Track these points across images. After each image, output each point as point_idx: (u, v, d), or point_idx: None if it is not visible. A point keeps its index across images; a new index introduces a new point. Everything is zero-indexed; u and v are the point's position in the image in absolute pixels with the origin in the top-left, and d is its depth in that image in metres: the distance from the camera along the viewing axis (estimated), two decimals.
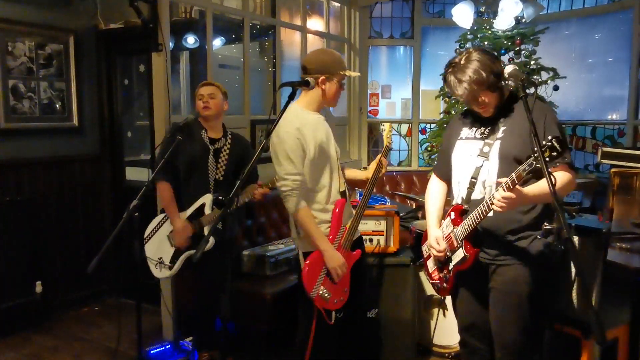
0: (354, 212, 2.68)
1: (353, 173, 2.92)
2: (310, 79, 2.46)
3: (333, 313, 2.60)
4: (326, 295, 2.55)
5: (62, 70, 4.17)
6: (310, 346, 2.64)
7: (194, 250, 2.84)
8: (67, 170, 4.26)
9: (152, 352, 3.32)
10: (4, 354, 3.51)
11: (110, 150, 4.50)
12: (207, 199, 3.06)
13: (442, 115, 5.22)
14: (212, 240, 2.88)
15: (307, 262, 2.54)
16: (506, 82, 2.06)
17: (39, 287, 3.97)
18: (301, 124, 2.50)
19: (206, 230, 2.97)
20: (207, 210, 3.04)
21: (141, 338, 2.63)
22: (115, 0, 4.16)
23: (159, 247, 3.04)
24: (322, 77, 2.52)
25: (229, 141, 3.20)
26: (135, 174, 4.45)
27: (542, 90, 4.54)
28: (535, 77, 4.58)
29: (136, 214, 2.46)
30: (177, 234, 3.02)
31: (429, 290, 3.45)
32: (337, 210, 2.59)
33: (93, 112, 4.42)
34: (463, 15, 4.78)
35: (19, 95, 3.91)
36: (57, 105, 4.16)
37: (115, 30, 4.32)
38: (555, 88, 4.58)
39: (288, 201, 2.50)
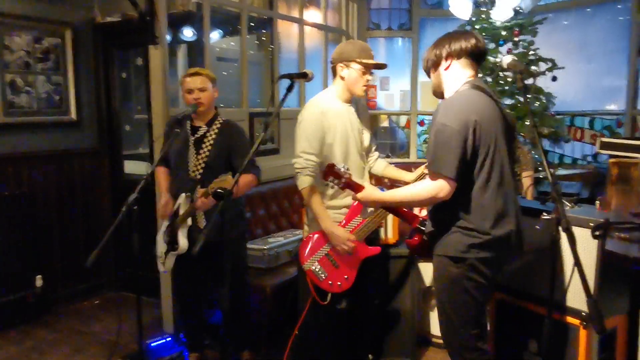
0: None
1: (396, 173, 2.94)
2: (307, 70, 2.48)
3: (329, 295, 2.64)
4: (320, 273, 2.61)
5: (59, 64, 4.15)
6: (299, 324, 2.75)
7: (178, 250, 2.86)
8: (66, 164, 4.25)
9: (152, 344, 3.33)
10: (5, 348, 3.51)
11: (108, 144, 4.49)
12: (181, 199, 2.89)
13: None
14: (184, 243, 2.83)
15: (309, 235, 2.66)
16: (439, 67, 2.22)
17: (39, 281, 3.97)
18: (326, 109, 2.62)
19: (180, 234, 2.85)
20: (181, 212, 2.86)
21: (142, 331, 2.64)
22: None
23: (159, 243, 3.04)
24: (340, 65, 2.62)
25: (215, 129, 2.94)
26: (134, 167, 4.45)
27: (540, 81, 4.54)
28: (533, 67, 4.57)
29: (135, 208, 2.47)
30: (158, 209, 2.99)
31: (428, 281, 3.46)
32: (355, 204, 2.63)
33: (91, 106, 4.41)
34: (461, 7, 4.77)
35: (16, 90, 3.90)
36: (55, 100, 4.15)
37: (112, 24, 4.29)
38: (554, 79, 4.57)
39: (297, 178, 2.61)
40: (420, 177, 2.73)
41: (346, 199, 2.68)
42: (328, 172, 2.36)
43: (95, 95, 4.44)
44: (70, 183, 4.29)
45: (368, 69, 2.63)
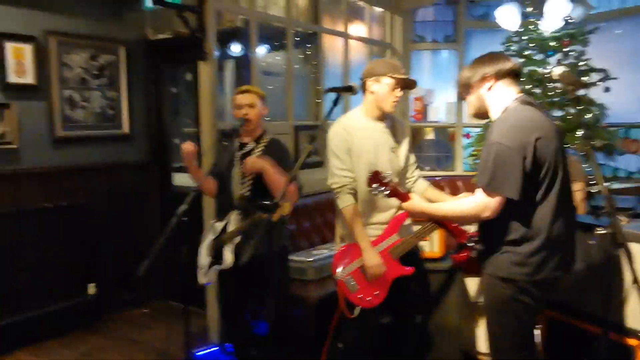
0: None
1: (438, 196, 2.83)
2: (353, 84, 2.50)
3: (357, 308, 2.62)
4: (352, 285, 2.62)
5: (113, 80, 4.33)
6: (330, 335, 2.78)
7: (223, 266, 2.90)
8: (118, 176, 4.41)
9: (198, 354, 3.39)
10: (60, 352, 3.66)
11: (158, 156, 4.63)
12: (231, 216, 2.93)
13: (487, 120, 5.13)
14: (229, 259, 2.85)
15: (345, 246, 2.67)
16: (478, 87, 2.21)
17: (92, 289, 4.11)
18: (349, 125, 2.63)
19: (227, 250, 2.89)
20: (231, 229, 2.92)
21: (189, 340, 2.69)
22: (164, 12, 4.29)
23: (203, 255, 3.08)
24: (370, 80, 2.60)
25: (261, 147, 2.97)
26: (183, 179, 4.55)
27: (592, 92, 4.41)
28: (584, 78, 4.44)
29: (184, 219, 2.53)
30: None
31: (475, 296, 3.39)
32: (392, 223, 2.63)
33: (142, 119, 4.56)
34: (508, 17, 4.70)
35: (73, 105, 4.09)
36: (109, 114, 4.32)
37: (163, 41, 4.45)
38: (607, 89, 4.43)
39: (338, 197, 2.62)
40: None
41: (380, 215, 2.67)
42: (372, 179, 2.35)
43: (147, 109, 4.60)
44: (122, 194, 4.43)
45: (398, 84, 2.61)
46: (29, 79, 3.80)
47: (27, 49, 3.77)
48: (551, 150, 2.04)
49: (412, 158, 2.87)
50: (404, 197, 2.32)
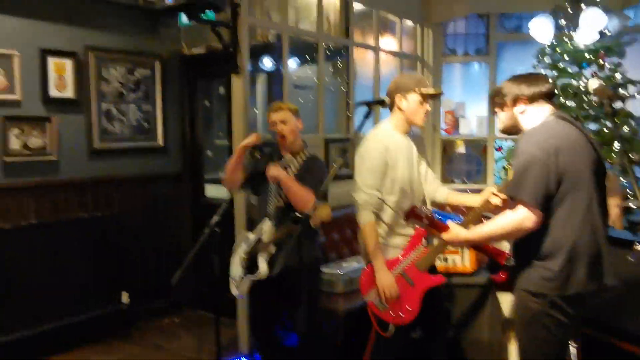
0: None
1: (461, 198, 2.84)
2: (386, 98, 2.51)
3: (391, 326, 2.60)
4: (381, 304, 2.59)
5: (149, 94, 4.44)
6: (369, 352, 2.76)
7: (256, 275, 2.89)
8: (152, 188, 4.50)
9: None
10: None
11: (191, 168, 4.72)
12: (265, 225, 2.94)
13: (518, 135, 5.05)
14: (264, 269, 2.85)
15: (369, 266, 2.65)
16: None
17: (125, 298, 4.19)
18: (389, 143, 2.63)
19: (261, 260, 2.88)
20: (265, 239, 2.92)
21: (220, 351, 2.72)
22: (198, 27, 4.40)
23: (235, 266, 3.10)
24: (398, 95, 2.61)
25: (299, 161, 3.00)
26: (215, 191, 4.63)
27: (629, 105, 4.31)
28: (621, 91, 4.35)
29: (216, 230, 2.57)
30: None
31: (507, 312, 3.33)
32: (417, 233, 2.62)
33: (176, 132, 4.66)
34: (541, 30, 4.64)
35: (110, 118, 4.21)
36: (144, 127, 4.43)
37: (197, 55, 4.55)
38: None
39: (360, 213, 2.62)
40: (487, 201, 2.64)
41: (409, 227, 2.65)
42: (410, 215, 2.40)
43: (180, 122, 4.69)
44: (155, 205, 4.52)
45: (426, 98, 2.62)
46: (69, 93, 3.93)
47: (68, 64, 3.92)
48: (576, 163, 2.03)
49: (427, 167, 2.88)
50: (442, 228, 2.32)
